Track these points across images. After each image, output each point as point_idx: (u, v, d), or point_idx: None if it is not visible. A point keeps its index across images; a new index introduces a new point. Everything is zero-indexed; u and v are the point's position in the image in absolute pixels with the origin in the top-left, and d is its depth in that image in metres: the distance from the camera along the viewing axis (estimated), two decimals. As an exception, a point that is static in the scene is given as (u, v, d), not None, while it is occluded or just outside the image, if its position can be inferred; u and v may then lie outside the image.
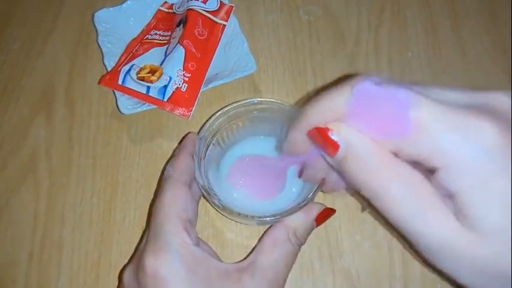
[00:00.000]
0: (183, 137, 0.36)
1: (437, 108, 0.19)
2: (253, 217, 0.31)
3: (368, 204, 0.34)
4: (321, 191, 0.32)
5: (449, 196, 0.19)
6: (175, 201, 0.30)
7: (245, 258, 0.31)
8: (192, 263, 0.28)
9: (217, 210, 0.34)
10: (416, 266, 0.36)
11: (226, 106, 0.35)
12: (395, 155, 0.20)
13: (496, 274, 0.18)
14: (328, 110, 0.22)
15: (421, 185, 0.20)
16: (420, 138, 0.19)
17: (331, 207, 0.34)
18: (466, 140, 0.18)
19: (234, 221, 0.35)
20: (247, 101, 0.35)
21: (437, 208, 0.19)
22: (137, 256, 0.30)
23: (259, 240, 0.32)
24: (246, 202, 0.35)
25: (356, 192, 0.27)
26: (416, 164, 0.20)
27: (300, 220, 0.31)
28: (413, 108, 0.19)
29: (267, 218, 0.31)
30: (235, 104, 0.35)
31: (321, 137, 0.22)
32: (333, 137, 0.21)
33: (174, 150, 0.35)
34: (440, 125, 0.18)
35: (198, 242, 0.30)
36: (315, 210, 0.32)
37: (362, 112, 0.20)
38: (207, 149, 0.35)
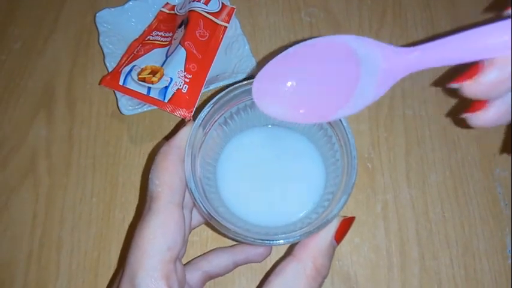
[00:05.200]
0: (172, 131, 0.33)
1: None
2: (264, 240, 0.25)
3: None
4: (476, 125, 0.20)
5: None
6: (161, 235, 0.24)
7: None
8: None
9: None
10: (414, 269, 0.36)
11: (223, 90, 0.30)
12: None
13: None
14: None
15: None
16: None
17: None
18: None
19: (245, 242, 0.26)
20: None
21: None
22: None
23: (267, 276, 0.26)
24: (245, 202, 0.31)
25: None
26: None
27: (317, 250, 0.25)
28: None
29: (282, 241, 0.25)
30: (234, 88, 0.29)
31: None
32: None
33: (160, 148, 0.27)
34: None
35: (184, 280, 0.25)
36: (332, 230, 0.26)
37: None
38: (202, 143, 0.28)
